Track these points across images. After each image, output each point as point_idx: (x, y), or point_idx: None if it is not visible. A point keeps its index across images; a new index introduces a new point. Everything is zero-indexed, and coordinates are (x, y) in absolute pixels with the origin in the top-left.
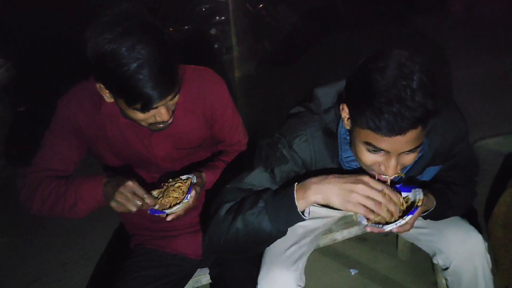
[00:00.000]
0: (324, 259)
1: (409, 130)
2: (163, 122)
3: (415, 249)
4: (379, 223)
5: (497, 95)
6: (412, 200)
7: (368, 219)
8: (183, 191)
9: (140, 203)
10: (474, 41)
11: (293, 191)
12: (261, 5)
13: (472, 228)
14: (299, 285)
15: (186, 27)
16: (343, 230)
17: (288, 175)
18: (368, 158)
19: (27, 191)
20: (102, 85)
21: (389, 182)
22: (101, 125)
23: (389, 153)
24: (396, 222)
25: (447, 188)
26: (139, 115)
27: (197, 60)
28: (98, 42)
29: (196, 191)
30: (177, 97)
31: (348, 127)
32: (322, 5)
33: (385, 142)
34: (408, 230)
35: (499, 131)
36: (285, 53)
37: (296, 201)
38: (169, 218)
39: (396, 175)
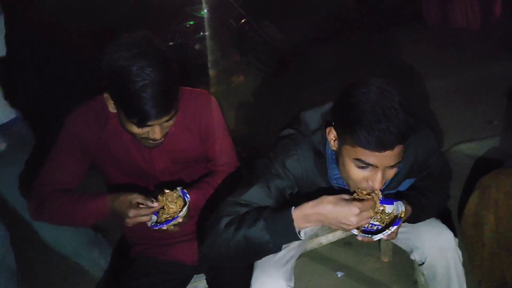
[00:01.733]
0: (312, 264)
1: (396, 145)
2: (154, 139)
3: (396, 251)
4: (369, 232)
5: (471, 103)
6: (396, 212)
7: (357, 228)
8: (179, 204)
9: (149, 214)
10: (449, 51)
11: (291, 215)
12: (243, 20)
13: (443, 226)
14: (289, 285)
15: (171, 43)
16: (328, 234)
17: (282, 190)
18: (357, 174)
19: (35, 203)
20: (108, 96)
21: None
22: (105, 142)
23: (377, 168)
24: (384, 232)
25: (421, 195)
26: (134, 129)
27: (183, 75)
28: (114, 58)
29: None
30: (172, 120)
31: (334, 148)
32: (303, 19)
33: (374, 157)
34: (394, 238)
35: (473, 136)
36: (269, 67)
37: (294, 223)
38: (169, 228)
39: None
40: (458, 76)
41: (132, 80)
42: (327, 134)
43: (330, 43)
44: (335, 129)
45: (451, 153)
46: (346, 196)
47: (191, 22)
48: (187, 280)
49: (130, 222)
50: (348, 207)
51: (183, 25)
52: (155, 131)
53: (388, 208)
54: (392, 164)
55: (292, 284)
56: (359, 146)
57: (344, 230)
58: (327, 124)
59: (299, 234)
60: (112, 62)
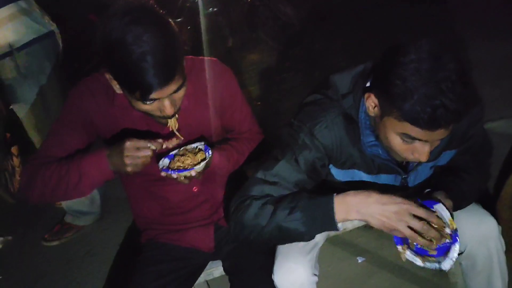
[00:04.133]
0: (331, 248)
1: (451, 124)
2: (166, 115)
3: None
4: (430, 257)
5: (497, 79)
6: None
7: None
8: (198, 157)
9: (149, 152)
10: (472, 25)
11: (333, 205)
12: None
13: (485, 212)
14: (314, 274)
15: (179, 20)
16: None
17: (313, 162)
18: (401, 146)
19: (27, 178)
20: (110, 75)
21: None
22: (113, 118)
23: (426, 142)
24: (449, 256)
25: (460, 180)
26: (142, 106)
27: (191, 53)
28: (107, 31)
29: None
30: (182, 91)
31: (373, 115)
32: None
33: (424, 134)
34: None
35: (503, 114)
36: (280, 43)
37: (335, 216)
38: (179, 178)
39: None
40: (481, 52)
41: (129, 50)
42: (365, 100)
43: (344, 19)
44: (377, 97)
45: None
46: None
47: None
48: (202, 268)
49: (128, 162)
50: (401, 200)
51: (192, 0)
52: (165, 105)
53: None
54: (442, 137)
55: (317, 272)
56: (407, 122)
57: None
58: (361, 88)
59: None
60: (105, 36)
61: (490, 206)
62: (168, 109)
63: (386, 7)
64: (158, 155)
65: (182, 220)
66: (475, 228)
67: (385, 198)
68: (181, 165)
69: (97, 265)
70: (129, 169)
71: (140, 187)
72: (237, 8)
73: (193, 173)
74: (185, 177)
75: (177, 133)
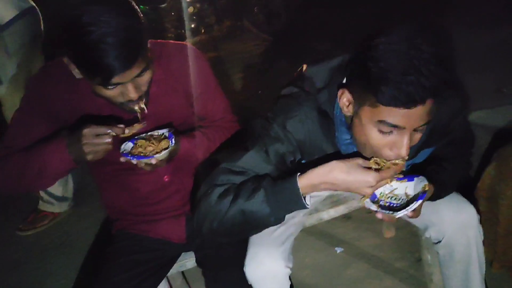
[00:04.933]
0: (310, 239)
1: (428, 99)
2: (131, 101)
3: (400, 227)
4: (389, 209)
5: (478, 71)
6: (418, 187)
7: (377, 204)
8: (161, 146)
9: (109, 139)
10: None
11: (296, 182)
12: None
13: (464, 200)
14: (288, 266)
15: (163, 5)
16: (330, 209)
17: (282, 155)
18: (379, 140)
19: None
20: (68, 59)
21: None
22: (76, 105)
23: (403, 130)
24: (407, 208)
25: (441, 169)
26: (104, 91)
27: (174, 40)
28: (64, 10)
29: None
30: (146, 74)
31: (349, 114)
32: None
33: (401, 117)
34: (418, 215)
35: (482, 105)
36: (265, 31)
37: (301, 192)
38: (139, 164)
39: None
40: (462, 43)
41: (87, 30)
42: (338, 98)
43: (333, 7)
44: (350, 91)
45: None
46: (360, 161)
47: None
48: (175, 258)
49: (88, 150)
50: (363, 177)
51: None
52: (128, 89)
53: (407, 185)
54: (422, 123)
55: (290, 265)
56: (383, 104)
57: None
58: (337, 82)
59: (305, 201)
60: (62, 15)
61: (472, 196)
62: (132, 92)
63: None
64: (123, 141)
65: (153, 211)
66: (455, 216)
67: (346, 163)
68: (143, 151)
69: (71, 256)
70: (89, 157)
71: (109, 176)
72: None
73: (153, 161)
74: (146, 164)
75: (139, 117)
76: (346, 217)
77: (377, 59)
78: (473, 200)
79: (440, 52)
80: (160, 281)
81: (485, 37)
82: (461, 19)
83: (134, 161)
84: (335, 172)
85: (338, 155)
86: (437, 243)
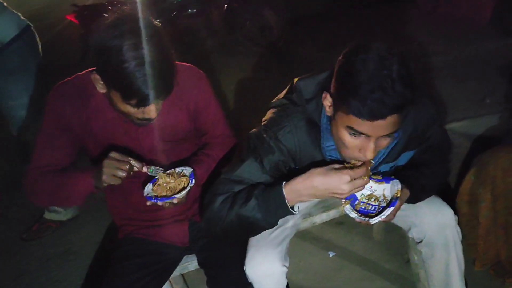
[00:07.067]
0: (303, 243)
1: (389, 116)
2: (149, 119)
3: (389, 230)
4: (366, 216)
5: (463, 81)
6: (392, 192)
7: (355, 210)
8: (180, 184)
9: (127, 166)
10: (440, 29)
11: (282, 191)
12: None
13: (443, 202)
14: (284, 265)
15: (158, 20)
16: (322, 213)
17: (276, 164)
18: (349, 142)
19: (30, 187)
20: (98, 76)
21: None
22: (87, 119)
23: (369, 136)
24: (381, 215)
25: (420, 174)
26: (130, 109)
27: None
28: (103, 36)
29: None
30: (166, 98)
31: (329, 114)
32: None
33: (366, 126)
34: (392, 219)
35: (466, 114)
36: (258, 45)
37: (286, 199)
38: (164, 205)
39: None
40: (449, 54)
41: (125, 59)
42: (322, 99)
43: (321, 21)
44: (331, 96)
45: None
46: (336, 165)
47: None
48: (178, 261)
49: (105, 175)
50: (338, 176)
51: (170, 2)
52: (151, 110)
53: (385, 187)
54: (385, 133)
55: (287, 264)
56: (351, 114)
57: (339, 198)
58: (323, 89)
59: (292, 209)
60: (101, 40)
61: (451, 200)
62: (153, 113)
63: (365, 9)
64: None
65: (157, 216)
66: (434, 217)
67: (326, 175)
68: (165, 192)
69: (76, 263)
70: (104, 177)
71: (116, 185)
72: (215, 10)
73: (174, 201)
74: (170, 203)
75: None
76: (338, 222)
77: (352, 74)
78: (452, 203)
79: (407, 74)
80: (164, 283)
81: (470, 49)
82: (447, 31)
83: (160, 203)
84: (313, 176)
85: (324, 163)
86: (419, 242)
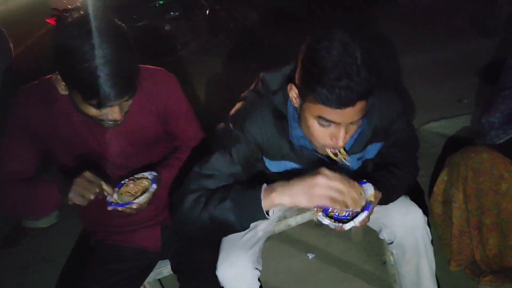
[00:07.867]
0: (281, 246)
1: (357, 102)
2: (114, 120)
3: (367, 232)
4: (340, 221)
5: (441, 82)
6: (366, 196)
7: (329, 217)
8: (143, 187)
9: (98, 190)
10: (419, 29)
11: (260, 193)
12: None
13: (412, 203)
14: (257, 268)
15: (140, 24)
16: (297, 215)
17: (245, 155)
18: (319, 132)
19: None
20: (59, 77)
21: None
22: (54, 124)
23: (339, 124)
24: (355, 220)
25: (390, 174)
26: (92, 111)
27: (153, 57)
28: (64, 36)
29: (157, 185)
30: (131, 99)
31: (296, 105)
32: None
33: (336, 114)
34: (367, 223)
35: (443, 115)
36: (241, 47)
37: (262, 203)
38: (125, 210)
39: (343, 158)
40: (428, 55)
41: (86, 59)
42: (288, 91)
43: (304, 22)
44: (297, 87)
45: (421, 131)
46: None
47: (161, 2)
48: (151, 266)
49: (73, 194)
50: (315, 172)
51: (153, 5)
52: (115, 111)
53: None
54: (354, 120)
55: (260, 267)
56: (320, 103)
57: (318, 203)
58: (289, 82)
59: (267, 214)
60: (62, 40)
61: (421, 200)
62: (118, 114)
63: (348, 11)
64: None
65: (128, 222)
66: (403, 219)
67: (303, 176)
68: (127, 194)
69: (53, 270)
70: (70, 195)
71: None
72: (198, 12)
73: (134, 206)
74: (130, 208)
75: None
76: (317, 224)
77: (317, 62)
78: (421, 202)
79: (369, 59)
80: None
81: (448, 50)
82: (426, 32)
83: (120, 209)
84: (292, 180)
85: (293, 149)
86: (390, 243)
